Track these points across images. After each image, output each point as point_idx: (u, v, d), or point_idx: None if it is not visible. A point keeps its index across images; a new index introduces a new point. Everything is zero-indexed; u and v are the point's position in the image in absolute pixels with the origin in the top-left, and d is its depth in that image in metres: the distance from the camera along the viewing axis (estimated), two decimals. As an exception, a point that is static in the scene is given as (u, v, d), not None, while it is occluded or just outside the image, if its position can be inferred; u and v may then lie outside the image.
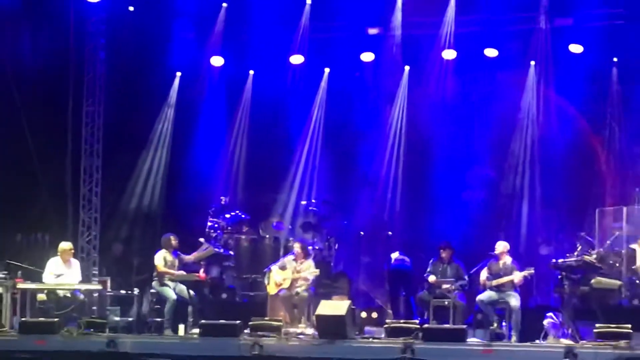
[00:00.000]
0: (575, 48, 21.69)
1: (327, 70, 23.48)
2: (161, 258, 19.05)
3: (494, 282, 18.56)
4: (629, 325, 16.06)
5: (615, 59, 22.12)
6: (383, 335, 17.23)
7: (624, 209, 20.54)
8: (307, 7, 21.98)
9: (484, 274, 18.79)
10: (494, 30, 22.16)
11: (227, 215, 21.40)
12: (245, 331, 17.00)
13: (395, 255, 21.16)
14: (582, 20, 21.22)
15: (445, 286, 19.05)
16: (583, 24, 21.34)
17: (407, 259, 20.98)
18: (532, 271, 18.92)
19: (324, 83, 23.52)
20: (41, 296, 18.77)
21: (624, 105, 22.23)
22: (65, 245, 19.25)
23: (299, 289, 19.02)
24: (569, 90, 22.24)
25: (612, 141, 22.40)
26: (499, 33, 22.19)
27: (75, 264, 19.41)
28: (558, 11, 21.16)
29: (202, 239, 19.86)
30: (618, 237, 19.93)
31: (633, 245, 19.49)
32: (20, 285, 18.76)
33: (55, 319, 17.79)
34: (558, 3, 20.97)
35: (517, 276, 18.48)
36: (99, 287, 19.77)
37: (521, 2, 21.04)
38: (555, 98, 22.40)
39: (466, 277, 19.30)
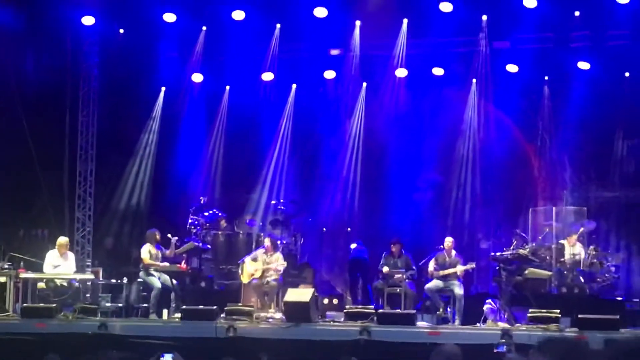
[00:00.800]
0: (511, 68, 21.77)
1: (294, 86, 23.46)
2: (147, 251, 19.05)
3: (441, 273, 18.67)
4: (558, 311, 16.19)
5: (546, 78, 22.26)
6: (342, 319, 17.22)
7: (554, 209, 20.69)
8: (277, 31, 21.96)
9: (431, 265, 18.89)
10: (441, 51, 22.26)
11: (206, 213, 21.31)
12: (222, 315, 16.95)
13: (353, 245, 21.20)
14: (517, 43, 21.32)
15: (397, 276, 19.11)
16: (518, 47, 21.44)
17: (364, 248, 21.01)
18: (474, 265, 19.17)
19: (291, 97, 23.49)
20: (41, 284, 18.68)
21: (553, 118, 22.37)
22: (62, 239, 19.19)
23: (269, 279, 19.00)
24: (505, 105, 22.32)
25: (543, 149, 22.58)
26: (444, 54, 22.30)
27: (71, 256, 19.35)
28: (496, 35, 21.23)
29: (169, 235, 19.83)
30: (548, 234, 20.04)
31: (562, 241, 19.64)
32: (22, 275, 18.70)
33: (53, 305, 17.68)
34: (496, 28, 21.02)
35: (460, 269, 18.63)
36: (92, 276, 19.70)
37: (464, 27, 21.05)
38: (494, 111, 22.48)
39: (414, 268, 19.36)
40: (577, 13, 20.15)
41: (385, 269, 19.26)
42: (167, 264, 19.20)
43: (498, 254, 19.42)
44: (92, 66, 22.36)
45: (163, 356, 15.60)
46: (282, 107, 23.50)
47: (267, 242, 19.49)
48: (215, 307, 17.08)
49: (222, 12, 20.82)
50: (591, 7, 19.72)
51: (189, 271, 20.09)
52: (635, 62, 20.92)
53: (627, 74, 21.58)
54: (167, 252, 19.38)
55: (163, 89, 23.14)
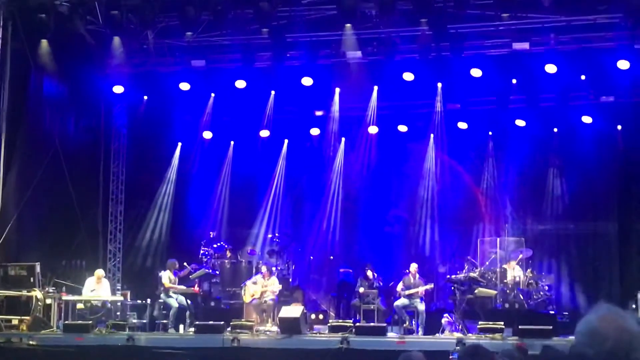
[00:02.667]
0: (462, 125, 21.90)
1: (286, 141, 23.52)
2: (167, 277, 19.04)
3: (407, 292, 18.67)
4: (502, 323, 16.25)
5: (490, 133, 22.41)
6: (327, 331, 17.25)
7: (498, 239, 20.81)
8: (272, 96, 22.04)
9: (399, 287, 18.90)
10: (405, 112, 22.38)
11: (215, 245, 21.28)
12: (227, 329, 16.93)
13: (342, 270, 21.23)
14: (467, 105, 21.40)
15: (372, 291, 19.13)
16: (467, 108, 21.52)
17: (350, 270, 20.95)
18: (432, 286, 19.18)
19: (284, 150, 23.53)
20: (80, 305, 18.68)
21: (496, 165, 22.48)
22: (98, 272, 19.24)
23: (266, 298, 18.99)
24: (458, 155, 22.50)
25: (488, 191, 22.62)
26: (408, 114, 22.42)
27: (106, 282, 19.35)
28: (449, 99, 21.34)
29: (185, 264, 19.84)
30: (494, 260, 20.13)
31: (504, 265, 19.73)
32: (65, 297, 18.67)
33: (90, 322, 17.68)
34: (449, 93, 21.15)
35: (422, 289, 18.65)
36: (121, 298, 19.70)
37: (423, 92, 21.17)
38: (448, 160, 22.59)
39: (380, 282, 19.39)
40: (514, 80, 20.33)
41: (362, 290, 19.28)
42: (183, 287, 19.24)
43: (453, 276, 19.50)
44: (122, 126, 22.39)
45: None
46: (277, 158, 23.55)
47: (263, 269, 19.53)
48: (222, 322, 17.10)
49: (227, 81, 20.88)
50: (526, 76, 19.85)
51: (200, 293, 20.06)
52: (561, 119, 21.10)
53: (555, 129, 21.79)
54: (181, 273, 19.46)
55: (179, 144, 23.16)
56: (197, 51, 19.61)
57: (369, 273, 19.42)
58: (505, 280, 19.28)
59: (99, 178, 22.02)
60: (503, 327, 16.06)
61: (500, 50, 18.94)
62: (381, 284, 19.39)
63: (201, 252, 21.09)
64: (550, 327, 15.77)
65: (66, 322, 17.94)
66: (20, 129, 19.84)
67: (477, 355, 6.17)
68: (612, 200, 21.53)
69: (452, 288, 19.20)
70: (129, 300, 20.08)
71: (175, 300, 18.75)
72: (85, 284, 18.99)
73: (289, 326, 16.79)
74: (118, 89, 20.84)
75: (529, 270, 19.45)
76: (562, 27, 18.16)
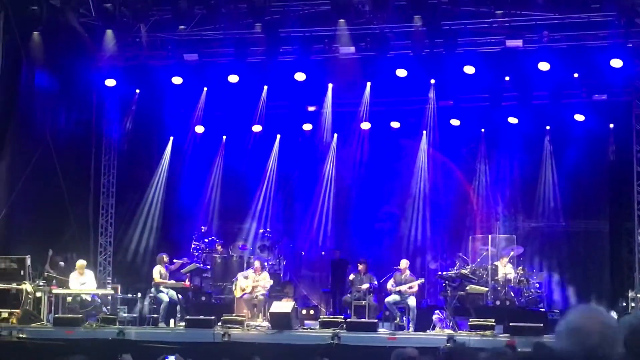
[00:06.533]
0: (454, 122, 21.91)
1: (278, 136, 23.48)
2: (157, 272, 19.00)
3: (398, 288, 18.64)
4: (493, 320, 16.30)
5: (482, 130, 22.40)
6: (318, 327, 17.27)
7: (489, 236, 20.82)
8: (265, 91, 21.97)
9: (390, 283, 18.86)
10: (398, 108, 22.38)
11: (206, 240, 21.26)
12: (218, 324, 16.97)
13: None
14: (459, 102, 21.41)
15: (364, 286, 18.97)
16: (460, 105, 21.54)
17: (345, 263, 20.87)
18: (423, 280, 19.20)
19: (276, 145, 23.50)
20: (69, 299, 18.62)
21: (488, 163, 22.52)
22: (79, 262, 19.10)
23: (257, 293, 18.96)
24: (450, 152, 22.52)
25: (480, 188, 22.64)
26: (401, 110, 22.43)
27: (89, 273, 19.20)
28: (442, 95, 21.29)
29: (175, 261, 19.80)
30: (485, 257, 20.13)
31: (496, 262, 19.75)
32: (55, 291, 18.63)
33: (80, 315, 17.66)
34: (442, 89, 21.10)
35: (415, 284, 18.63)
36: (112, 291, 19.62)
37: (416, 89, 21.15)
38: (441, 157, 22.59)
39: (376, 282, 19.31)
40: (507, 78, 20.33)
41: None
42: (174, 281, 19.22)
43: (444, 273, 19.49)
44: (113, 120, 22.21)
45: (167, 357, 15.60)
46: (269, 153, 23.50)
47: (256, 263, 19.49)
48: (213, 317, 17.10)
49: (220, 76, 20.82)
50: (519, 73, 19.84)
51: (191, 288, 20.03)
52: (554, 117, 21.12)
53: (547, 127, 21.82)
54: (172, 266, 19.43)
55: (171, 138, 23.05)
56: (189, 45, 19.54)
57: (361, 267, 19.34)
58: (496, 278, 19.30)
59: (90, 171, 21.91)
60: (494, 324, 16.12)
61: (494, 48, 18.92)
62: (375, 283, 19.25)
63: (192, 246, 21.08)
64: (541, 325, 15.84)
65: (56, 315, 17.92)
66: (11, 122, 19.75)
67: (461, 354, 6.15)
68: (603, 198, 21.58)
69: (443, 285, 19.19)
70: (119, 293, 20.03)
71: (165, 295, 18.71)
72: (71, 278, 18.88)
73: (280, 321, 16.80)
74: (110, 82, 20.73)
75: (520, 267, 19.47)
76: (555, 25, 18.17)
